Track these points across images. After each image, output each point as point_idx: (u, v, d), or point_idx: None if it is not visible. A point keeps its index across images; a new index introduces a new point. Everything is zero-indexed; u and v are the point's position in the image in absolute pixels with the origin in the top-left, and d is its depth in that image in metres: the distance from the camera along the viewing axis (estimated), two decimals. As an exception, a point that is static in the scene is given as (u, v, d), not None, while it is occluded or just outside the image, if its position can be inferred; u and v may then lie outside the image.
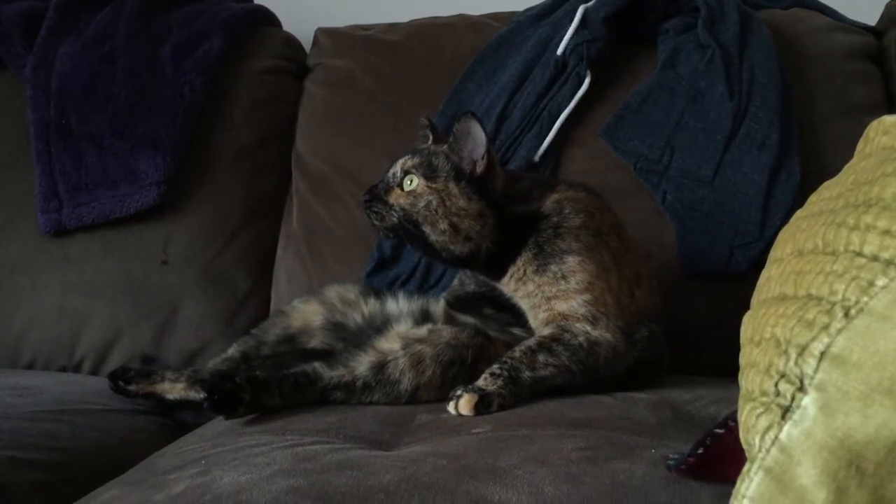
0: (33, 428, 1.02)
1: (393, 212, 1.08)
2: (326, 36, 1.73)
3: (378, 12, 1.79)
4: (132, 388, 1.19)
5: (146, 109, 1.52)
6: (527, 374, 0.98)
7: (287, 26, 1.81)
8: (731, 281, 1.34)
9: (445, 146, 1.09)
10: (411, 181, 1.08)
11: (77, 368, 1.46)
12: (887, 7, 1.61)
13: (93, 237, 1.49)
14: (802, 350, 0.48)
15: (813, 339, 0.48)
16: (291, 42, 1.76)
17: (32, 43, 1.61)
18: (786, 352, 0.49)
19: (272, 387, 0.96)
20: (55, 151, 1.50)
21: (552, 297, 1.05)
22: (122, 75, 1.54)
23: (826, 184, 0.64)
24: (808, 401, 0.47)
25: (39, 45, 1.60)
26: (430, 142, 1.17)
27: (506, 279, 1.09)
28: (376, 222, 1.10)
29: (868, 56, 1.53)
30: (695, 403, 0.99)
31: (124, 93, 1.53)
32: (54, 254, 1.49)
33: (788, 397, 0.48)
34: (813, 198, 0.63)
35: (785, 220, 1.28)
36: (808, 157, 1.39)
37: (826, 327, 0.47)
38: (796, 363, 0.48)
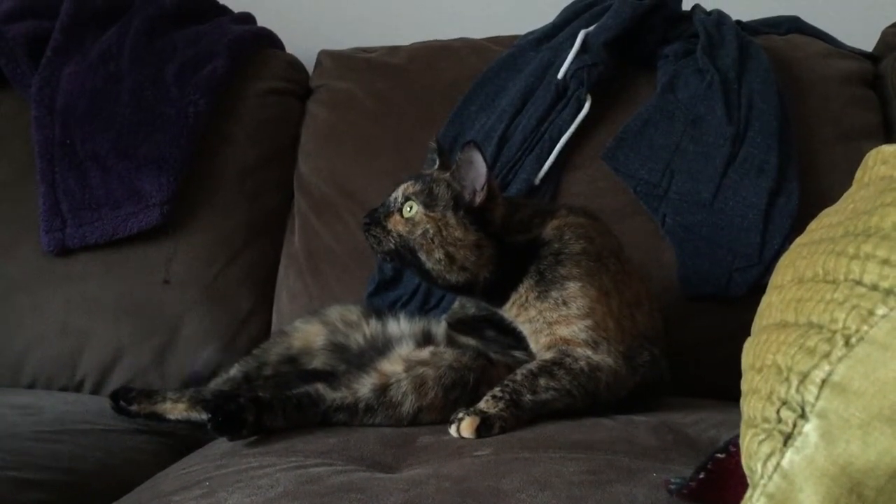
0: (35, 448, 1.02)
1: (390, 237, 1.09)
2: (329, 58, 1.74)
3: (380, 35, 1.80)
4: (134, 407, 1.19)
5: (150, 129, 1.53)
6: (528, 397, 0.98)
7: (290, 48, 1.83)
8: (730, 304, 1.35)
9: (448, 174, 1.10)
10: (411, 208, 1.09)
11: (78, 388, 1.46)
12: (884, 33, 1.62)
13: (95, 256, 1.49)
14: (804, 377, 0.49)
15: (814, 366, 0.49)
16: (294, 64, 1.78)
17: (38, 62, 1.62)
18: (787, 379, 0.50)
19: (275, 408, 0.97)
20: (59, 171, 1.51)
21: (553, 323, 1.06)
22: (126, 95, 1.55)
23: (825, 211, 0.65)
24: (810, 428, 0.48)
25: (45, 65, 1.61)
26: (436, 165, 1.18)
27: (507, 305, 1.10)
28: (374, 246, 1.12)
29: (865, 82, 1.55)
30: (695, 426, 0.99)
31: (129, 113, 1.54)
32: (57, 272, 1.49)
33: (790, 424, 0.49)
34: (813, 225, 0.64)
35: (783, 244, 1.31)
36: (805, 181, 1.40)
37: (827, 355, 0.48)
38: (798, 390, 0.49)
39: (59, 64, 1.62)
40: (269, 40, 1.80)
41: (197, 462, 0.91)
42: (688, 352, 1.28)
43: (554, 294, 1.06)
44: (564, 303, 1.05)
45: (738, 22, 1.62)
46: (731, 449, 0.65)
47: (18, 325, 1.47)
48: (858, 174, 0.66)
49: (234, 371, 1.23)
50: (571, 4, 1.63)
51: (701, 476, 0.67)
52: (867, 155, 0.65)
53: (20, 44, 1.65)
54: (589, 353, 1.02)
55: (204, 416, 1.07)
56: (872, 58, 1.61)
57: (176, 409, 1.15)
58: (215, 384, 1.22)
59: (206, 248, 1.52)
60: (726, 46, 1.50)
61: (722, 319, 1.34)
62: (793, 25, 1.68)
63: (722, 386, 1.11)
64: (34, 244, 1.49)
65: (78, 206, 1.49)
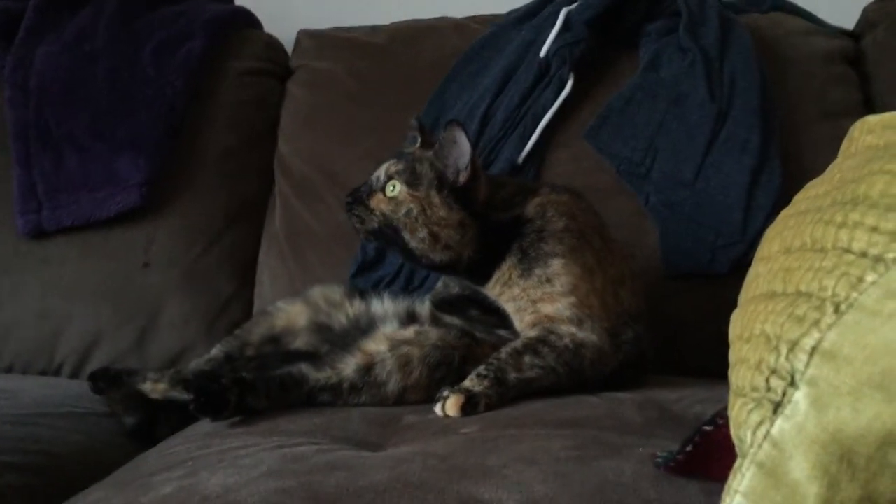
0: (14, 431, 1.01)
1: (374, 216, 1.08)
2: (309, 38, 1.73)
3: (360, 15, 1.78)
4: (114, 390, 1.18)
5: (127, 110, 1.50)
6: (513, 375, 0.98)
7: (268, 28, 1.81)
8: (713, 282, 1.35)
9: (431, 152, 1.09)
10: (394, 187, 1.08)
11: (57, 372, 1.44)
12: (864, 11, 1.63)
13: (73, 239, 1.47)
14: (793, 345, 0.48)
15: (803, 334, 0.48)
16: (273, 44, 1.76)
17: (11, 42, 1.59)
18: (776, 347, 0.50)
19: (259, 388, 0.95)
20: (34, 152, 1.48)
21: (537, 300, 1.05)
22: (102, 76, 1.53)
23: (812, 183, 0.64)
24: (800, 395, 0.47)
25: (18, 45, 1.58)
26: (418, 143, 1.17)
27: (490, 284, 1.09)
28: (357, 225, 1.11)
29: (846, 59, 1.55)
30: (680, 403, 0.99)
31: (105, 94, 1.51)
32: (34, 255, 1.47)
33: (780, 392, 0.48)
34: (799, 196, 0.64)
35: (766, 222, 1.30)
36: (788, 159, 1.40)
37: (816, 323, 0.48)
38: (787, 358, 0.49)
39: (32, 44, 1.59)
40: (248, 20, 1.78)
41: (179, 443, 0.90)
42: (671, 330, 1.28)
43: (537, 271, 1.05)
44: (548, 280, 1.04)
45: (720, 1, 1.61)
46: (719, 421, 0.65)
47: (-5, 309, 1.45)
48: (844, 145, 0.65)
49: (216, 351, 1.21)
50: (552, -18, 1.62)
51: (688, 449, 0.67)
52: (853, 126, 0.65)
53: (-8, 24, 1.62)
54: (573, 330, 1.02)
55: (185, 397, 1.06)
56: (853, 36, 1.61)
57: (157, 390, 1.14)
58: (196, 364, 1.20)
59: (186, 231, 1.51)
60: (708, 24, 1.49)
61: (705, 297, 1.34)
62: (774, 3, 1.68)
63: (706, 364, 1.13)
64: (9, 227, 1.47)
65: (54, 188, 1.47)
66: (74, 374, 1.44)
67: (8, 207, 1.47)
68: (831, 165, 0.65)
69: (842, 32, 1.60)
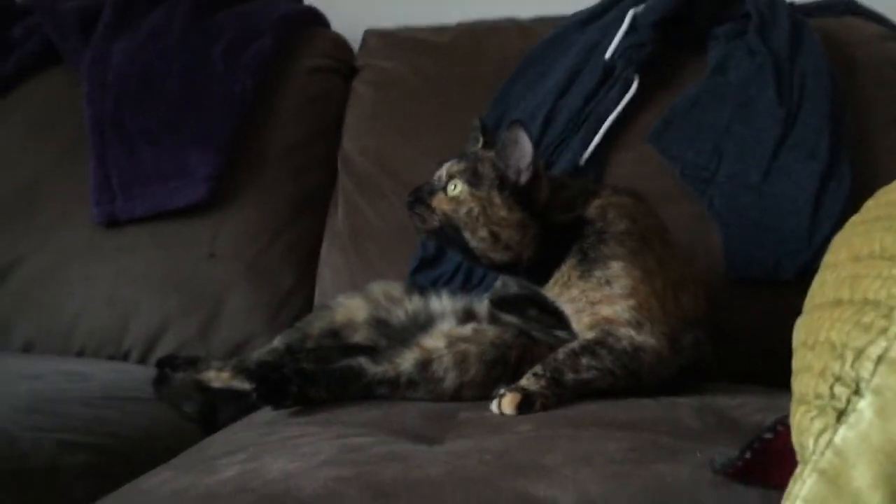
0: (84, 412, 1.05)
1: (434, 216, 1.09)
2: (375, 37, 1.75)
3: (426, 14, 1.80)
4: (179, 375, 1.22)
5: (198, 106, 1.55)
6: (570, 376, 0.98)
7: (336, 27, 1.83)
8: (778, 288, 1.32)
9: (493, 152, 1.10)
10: (455, 186, 1.08)
11: (125, 357, 1.48)
12: (942, 17, 1.58)
13: (143, 229, 1.52)
14: (859, 353, 0.48)
15: (870, 342, 0.48)
16: (340, 42, 1.79)
17: (89, 38, 1.65)
18: (842, 355, 0.49)
19: (319, 380, 0.98)
20: (109, 145, 1.54)
21: (596, 302, 1.05)
22: (175, 72, 1.57)
23: (883, 189, 0.63)
24: (864, 404, 0.47)
25: (96, 41, 1.64)
26: (479, 144, 1.18)
27: (549, 284, 1.09)
28: (418, 224, 1.11)
29: (922, 66, 1.51)
30: (740, 410, 0.98)
31: (177, 89, 1.56)
32: (106, 245, 1.52)
33: (844, 400, 0.48)
34: (870, 203, 0.63)
35: (834, 229, 1.27)
36: (859, 165, 1.37)
37: (884, 331, 0.47)
38: (852, 366, 0.48)
39: (110, 40, 1.65)
40: (316, 19, 1.81)
41: (241, 430, 0.92)
42: (733, 336, 1.26)
43: (597, 273, 1.05)
44: (608, 282, 1.04)
45: (791, 4, 1.58)
46: (779, 429, 0.65)
47: (69, 295, 1.50)
48: (918, 153, 0.64)
49: (277, 342, 1.23)
50: (619, -15, 1.61)
51: (748, 456, 0.66)
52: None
53: (71, 20, 1.69)
54: (632, 333, 1.01)
55: (247, 386, 1.09)
56: (930, 42, 1.56)
57: (220, 378, 1.17)
58: (258, 354, 1.23)
59: (250, 224, 1.54)
60: (779, 27, 1.47)
61: (768, 304, 1.31)
62: (847, 7, 1.64)
63: (766, 371, 1.10)
64: (86, 217, 1.53)
65: (127, 179, 1.51)
66: (142, 360, 1.48)
67: (84, 197, 1.53)
68: (904, 173, 0.64)
69: (918, 38, 1.56)
